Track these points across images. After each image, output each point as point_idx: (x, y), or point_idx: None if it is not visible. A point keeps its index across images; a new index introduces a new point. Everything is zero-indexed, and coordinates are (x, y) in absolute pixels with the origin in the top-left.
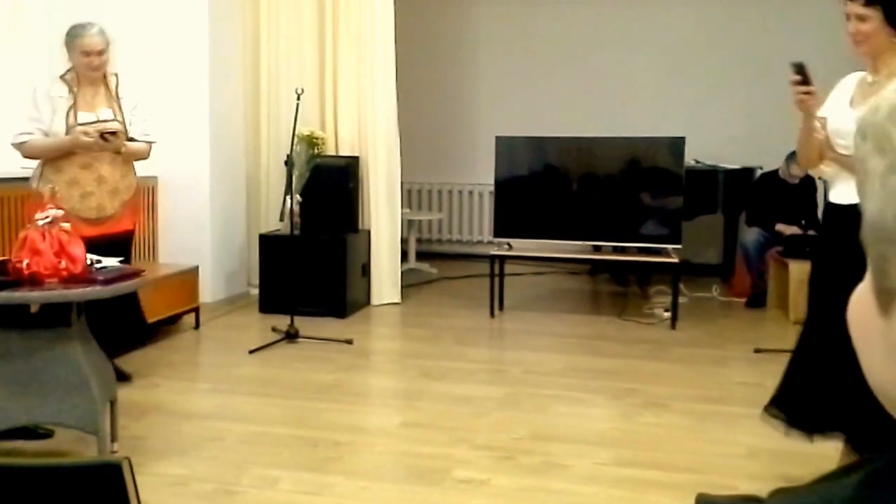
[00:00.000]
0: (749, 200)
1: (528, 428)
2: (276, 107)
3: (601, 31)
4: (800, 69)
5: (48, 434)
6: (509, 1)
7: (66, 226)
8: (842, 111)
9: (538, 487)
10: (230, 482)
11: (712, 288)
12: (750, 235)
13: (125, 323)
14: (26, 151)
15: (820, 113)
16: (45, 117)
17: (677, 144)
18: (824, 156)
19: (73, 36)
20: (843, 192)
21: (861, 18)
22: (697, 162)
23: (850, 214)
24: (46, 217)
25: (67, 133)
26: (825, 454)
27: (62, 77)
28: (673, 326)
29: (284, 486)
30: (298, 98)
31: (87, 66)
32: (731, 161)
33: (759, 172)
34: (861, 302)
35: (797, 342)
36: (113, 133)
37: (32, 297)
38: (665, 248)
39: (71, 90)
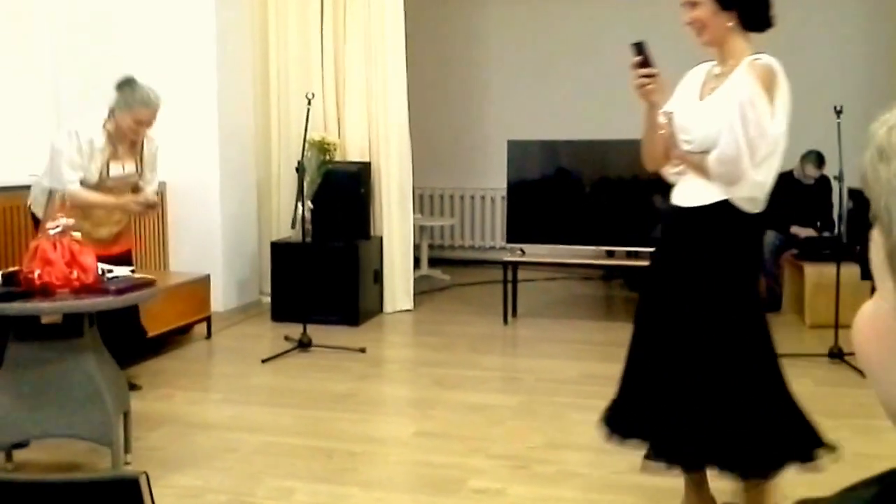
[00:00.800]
0: None
1: (544, 436)
2: (286, 112)
3: (614, 32)
4: (640, 49)
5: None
6: (521, 3)
7: (77, 235)
8: (689, 105)
9: (554, 497)
10: (245, 493)
11: None
12: (765, 238)
13: (125, 334)
14: (74, 199)
15: (666, 107)
16: (86, 164)
17: None
18: (670, 154)
19: (133, 101)
20: (685, 193)
21: (692, 4)
22: None
23: (694, 218)
24: (57, 226)
25: (100, 181)
26: (844, 460)
27: (104, 127)
28: None
29: (300, 497)
30: (309, 103)
31: (134, 132)
32: None
33: None
34: (876, 320)
35: (627, 353)
36: (152, 207)
37: (44, 307)
38: None
39: (109, 142)
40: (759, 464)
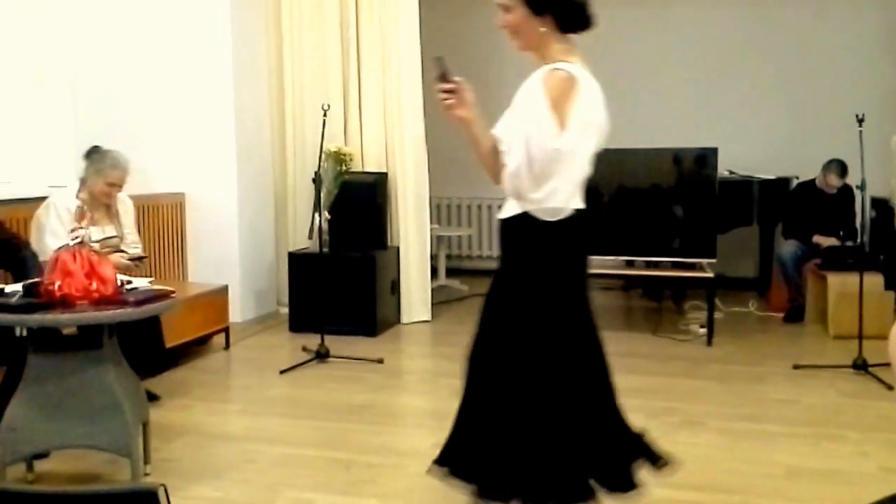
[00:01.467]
0: (785, 212)
1: None
2: (302, 123)
3: (630, 40)
4: (439, 64)
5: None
6: None
7: (96, 246)
8: (504, 116)
9: None
10: None
11: (749, 302)
12: (787, 248)
13: (146, 350)
14: None
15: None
16: (64, 231)
17: (710, 155)
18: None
19: (102, 166)
20: (505, 204)
21: (505, 8)
22: (731, 173)
23: (503, 231)
24: (77, 238)
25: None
26: (869, 474)
27: (78, 196)
28: (709, 343)
29: None
30: (325, 114)
31: (107, 195)
32: (766, 171)
33: (795, 182)
34: None
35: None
36: (141, 259)
37: (64, 319)
38: (699, 263)
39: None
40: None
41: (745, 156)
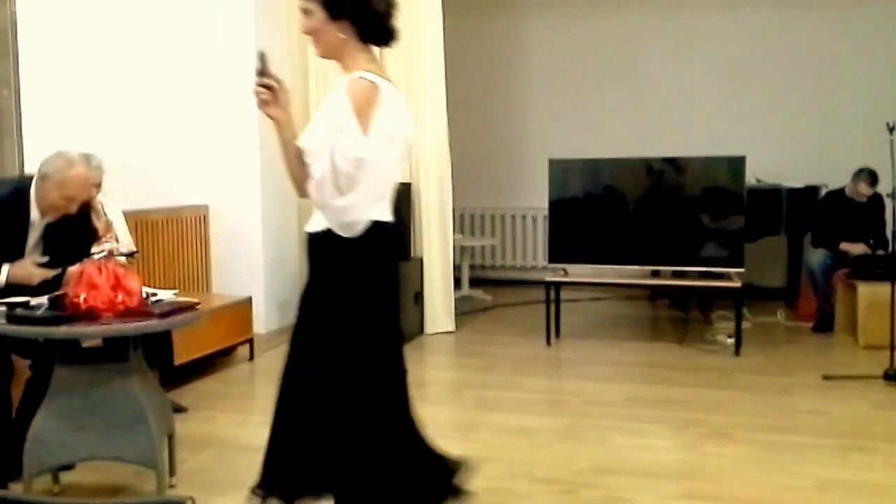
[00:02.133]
0: (814, 220)
1: (589, 460)
2: None
3: (656, 48)
4: (261, 59)
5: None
6: (561, 20)
7: (122, 259)
8: (309, 126)
9: None
10: None
11: (777, 312)
12: (815, 257)
13: (155, 363)
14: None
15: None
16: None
17: (737, 163)
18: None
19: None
20: (312, 217)
21: (305, 12)
22: (759, 181)
23: (309, 245)
24: (102, 251)
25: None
26: None
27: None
28: (737, 353)
29: None
30: None
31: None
32: (794, 179)
33: (824, 191)
34: None
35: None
36: (132, 255)
37: (90, 331)
38: (727, 272)
39: None
40: None
41: (772, 164)
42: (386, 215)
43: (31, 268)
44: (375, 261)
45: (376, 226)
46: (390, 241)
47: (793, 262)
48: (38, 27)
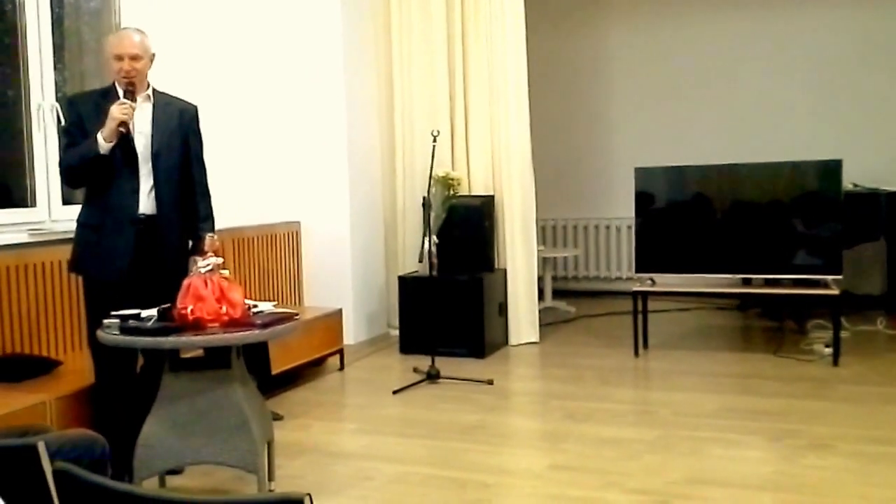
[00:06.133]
0: None
1: (682, 471)
2: (411, 149)
3: (744, 50)
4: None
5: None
6: (644, 25)
7: (226, 272)
8: None
9: None
10: None
11: (877, 321)
12: None
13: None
14: None
15: None
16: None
17: (833, 168)
18: None
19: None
20: None
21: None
22: (856, 185)
23: None
24: (208, 265)
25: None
26: None
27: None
28: (835, 363)
29: None
30: (434, 140)
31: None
32: (893, 184)
33: None
34: None
35: None
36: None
37: (196, 341)
38: (824, 279)
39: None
40: None
41: (870, 168)
42: None
43: (113, 112)
44: None
45: None
46: None
47: (893, 268)
48: None
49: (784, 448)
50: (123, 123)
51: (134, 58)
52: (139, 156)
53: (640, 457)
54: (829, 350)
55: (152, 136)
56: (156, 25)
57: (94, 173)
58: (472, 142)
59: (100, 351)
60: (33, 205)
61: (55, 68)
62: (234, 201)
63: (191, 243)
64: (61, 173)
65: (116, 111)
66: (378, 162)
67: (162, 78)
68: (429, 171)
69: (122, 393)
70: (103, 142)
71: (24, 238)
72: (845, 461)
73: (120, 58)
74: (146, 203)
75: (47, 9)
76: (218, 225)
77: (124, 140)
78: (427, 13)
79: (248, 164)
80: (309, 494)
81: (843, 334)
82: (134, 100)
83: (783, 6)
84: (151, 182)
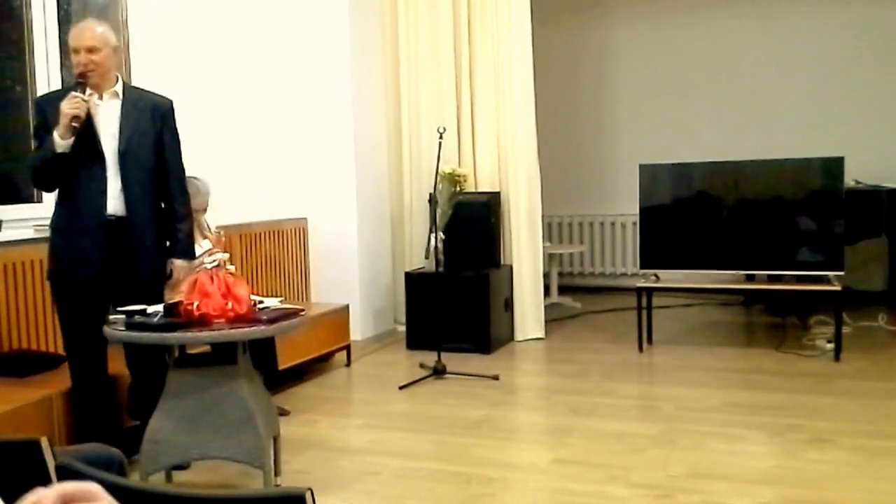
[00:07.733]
0: None
1: (686, 466)
2: (418, 146)
3: (747, 47)
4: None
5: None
6: (649, 23)
7: (232, 268)
8: None
9: None
10: None
11: (878, 317)
12: None
13: (260, 366)
14: None
15: None
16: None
17: (835, 165)
18: None
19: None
20: None
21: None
22: (858, 182)
23: None
24: (214, 261)
25: None
26: None
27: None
28: (837, 358)
29: None
30: (441, 137)
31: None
32: (895, 180)
33: None
34: None
35: None
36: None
37: (202, 337)
38: (826, 276)
39: None
40: None
41: (872, 165)
42: None
43: (63, 107)
44: None
45: None
46: None
47: (894, 265)
48: (147, 49)
49: (786, 442)
50: (76, 118)
51: (90, 50)
52: (106, 155)
53: (644, 451)
54: (830, 346)
55: (120, 133)
56: (163, 22)
57: (60, 174)
58: (479, 139)
59: (74, 355)
60: (39, 201)
61: (62, 65)
62: (241, 197)
63: (168, 244)
64: (29, 176)
65: (66, 106)
66: (385, 159)
67: (169, 75)
68: (435, 168)
69: (97, 395)
70: (59, 139)
71: (29, 234)
72: (846, 455)
73: (76, 51)
74: (115, 204)
75: (54, 5)
76: (225, 221)
77: (89, 139)
78: (433, 10)
79: (256, 160)
80: (310, 489)
81: (845, 330)
82: (85, 92)
83: (788, 4)
84: (120, 182)
